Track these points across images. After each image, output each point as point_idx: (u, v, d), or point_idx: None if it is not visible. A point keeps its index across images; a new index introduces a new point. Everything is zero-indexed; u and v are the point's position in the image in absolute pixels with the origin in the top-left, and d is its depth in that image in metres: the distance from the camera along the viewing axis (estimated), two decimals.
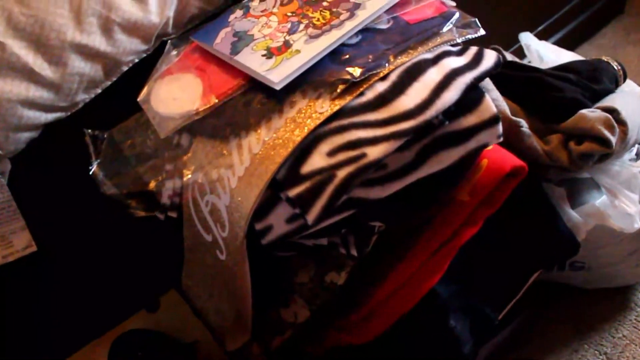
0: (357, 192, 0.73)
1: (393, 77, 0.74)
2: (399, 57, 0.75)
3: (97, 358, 0.96)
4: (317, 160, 0.70)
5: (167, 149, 0.79)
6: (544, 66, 1.18)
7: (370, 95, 0.73)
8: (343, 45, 0.75)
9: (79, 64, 0.76)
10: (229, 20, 0.82)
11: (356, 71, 0.72)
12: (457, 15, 0.80)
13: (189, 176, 0.76)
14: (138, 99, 0.78)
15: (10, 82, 0.73)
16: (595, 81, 1.02)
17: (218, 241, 0.78)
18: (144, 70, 0.82)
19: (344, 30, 0.75)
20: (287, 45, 0.75)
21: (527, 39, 1.25)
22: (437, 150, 0.76)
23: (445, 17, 0.80)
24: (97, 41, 0.76)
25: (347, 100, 0.72)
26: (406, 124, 0.71)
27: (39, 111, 0.76)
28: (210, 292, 0.87)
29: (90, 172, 0.79)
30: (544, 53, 1.23)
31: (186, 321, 0.98)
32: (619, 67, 1.06)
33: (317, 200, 0.69)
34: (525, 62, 1.24)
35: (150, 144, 0.80)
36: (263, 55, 0.74)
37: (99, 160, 0.80)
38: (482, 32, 0.80)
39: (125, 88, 0.82)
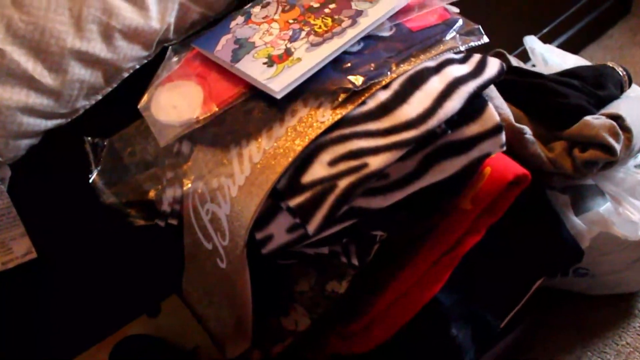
0: (358, 201, 0.72)
1: (395, 85, 0.73)
2: (401, 65, 0.74)
3: None
4: (318, 169, 0.70)
5: (168, 157, 0.78)
6: (548, 70, 1.17)
7: (372, 104, 0.72)
8: (345, 53, 0.75)
9: (79, 71, 0.75)
10: (230, 26, 0.81)
11: (358, 80, 0.71)
12: (460, 22, 0.79)
13: (189, 185, 0.76)
14: (138, 106, 0.78)
15: (10, 89, 0.73)
16: (600, 87, 1.01)
17: (218, 249, 0.77)
18: (144, 76, 0.82)
19: (346, 39, 0.74)
20: (288, 53, 0.74)
21: (531, 42, 1.24)
22: (440, 159, 0.75)
23: (449, 24, 0.79)
24: (98, 48, 0.76)
25: (348, 110, 0.71)
26: (408, 134, 0.70)
27: (39, 118, 0.76)
28: (210, 299, 0.87)
29: (90, 181, 0.78)
30: (549, 57, 1.22)
31: (187, 326, 0.98)
32: (624, 73, 1.05)
33: (317, 210, 0.68)
34: (529, 65, 1.23)
35: (150, 152, 0.79)
36: (264, 64, 0.74)
37: (98, 169, 0.79)
38: (485, 39, 0.79)
39: (126, 94, 0.81)
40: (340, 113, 0.71)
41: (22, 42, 0.72)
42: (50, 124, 0.77)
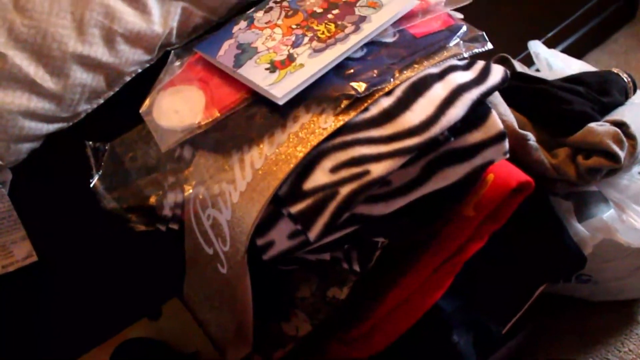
0: (360, 208, 0.72)
1: (398, 92, 0.73)
2: (405, 72, 0.74)
3: None
4: (320, 176, 0.69)
5: (169, 161, 0.78)
6: (553, 74, 1.17)
7: (374, 110, 0.72)
8: (348, 59, 0.74)
9: (80, 75, 0.75)
10: (233, 31, 0.81)
11: (361, 86, 0.71)
12: (464, 28, 0.79)
13: (190, 191, 0.75)
14: (140, 111, 0.77)
15: (12, 93, 0.73)
16: (604, 93, 1.01)
17: (219, 255, 0.77)
18: (147, 80, 0.81)
19: (349, 45, 0.74)
20: (291, 58, 0.74)
21: (536, 47, 1.24)
22: (442, 166, 0.74)
23: (452, 30, 0.79)
24: (100, 52, 0.76)
25: (351, 116, 0.71)
26: (411, 141, 0.70)
27: (41, 122, 0.75)
28: (211, 304, 0.86)
29: (91, 186, 0.78)
30: (553, 62, 1.22)
31: (188, 330, 0.98)
32: (629, 79, 1.04)
33: (319, 217, 0.68)
34: (533, 69, 1.23)
35: (151, 157, 0.79)
36: (266, 69, 0.73)
37: (99, 174, 0.79)
38: (489, 46, 0.79)
39: (128, 98, 0.81)
40: (343, 119, 0.71)
41: (24, 46, 0.72)
42: (51, 127, 0.77)
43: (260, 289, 0.80)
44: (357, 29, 0.75)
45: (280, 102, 0.70)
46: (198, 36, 0.84)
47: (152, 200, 0.77)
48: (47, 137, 0.78)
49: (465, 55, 0.77)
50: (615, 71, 1.05)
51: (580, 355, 1.14)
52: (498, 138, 0.75)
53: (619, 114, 0.98)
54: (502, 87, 0.77)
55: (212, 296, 0.84)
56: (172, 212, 0.79)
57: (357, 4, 0.78)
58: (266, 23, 0.80)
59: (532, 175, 0.84)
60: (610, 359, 1.13)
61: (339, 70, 0.74)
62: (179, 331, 1.00)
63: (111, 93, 0.80)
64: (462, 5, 0.81)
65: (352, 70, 0.73)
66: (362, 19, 0.76)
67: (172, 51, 0.82)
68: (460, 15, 0.82)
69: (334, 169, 0.69)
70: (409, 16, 0.78)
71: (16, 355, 0.91)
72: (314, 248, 0.74)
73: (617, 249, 1.04)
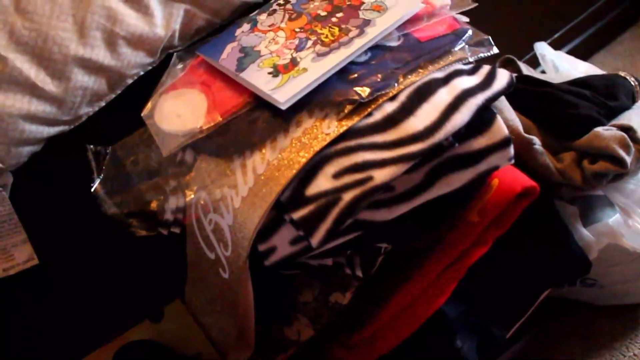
0: (363, 214, 0.71)
1: (402, 97, 0.72)
2: (409, 77, 0.73)
3: None
4: (323, 182, 0.69)
5: (171, 165, 0.78)
6: (559, 77, 1.16)
7: (378, 116, 0.71)
8: (351, 63, 0.74)
9: (82, 78, 0.75)
10: (236, 34, 0.80)
11: (364, 91, 0.70)
12: (469, 32, 0.78)
13: (192, 196, 0.75)
14: (142, 114, 0.77)
15: (12, 96, 0.72)
16: (611, 97, 1.00)
17: (221, 259, 0.76)
18: (149, 82, 0.81)
19: (353, 49, 0.73)
20: (294, 63, 0.73)
21: (542, 48, 1.23)
22: (447, 172, 0.74)
23: (458, 34, 0.78)
24: (101, 55, 0.75)
25: (354, 121, 0.70)
26: (414, 147, 0.69)
27: (42, 125, 0.75)
28: (212, 308, 0.86)
29: (92, 190, 0.77)
30: (559, 63, 1.21)
31: (190, 332, 0.97)
32: (636, 83, 1.03)
33: (321, 223, 0.67)
34: (539, 71, 1.22)
35: (153, 161, 0.78)
36: (269, 73, 0.73)
37: (100, 178, 0.79)
38: (495, 50, 0.78)
39: (130, 101, 0.80)
40: (346, 125, 0.70)
41: (24, 49, 0.72)
42: (52, 131, 0.77)
43: (262, 293, 0.79)
44: (361, 32, 0.74)
45: (283, 107, 0.70)
46: (201, 38, 0.84)
47: (154, 205, 0.76)
48: (48, 140, 0.77)
49: (471, 59, 0.76)
50: (623, 75, 1.04)
51: (585, 359, 1.13)
52: (503, 144, 0.74)
53: (625, 118, 0.97)
54: (508, 92, 0.76)
55: (213, 300, 0.84)
56: (173, 216, 0.78)
57: (362, 7, 0.77)
58: (269, 26, 0.79)
59: (537, 179, 0.84)
60: None
61: (343, 74, 0.73)
62: (181, 333, 0.99)
63: (113, 96, 0.79)
64: (467, 8, 0.80)
65: (355, 75, 0.73)
66: (367, 22, 0.75)
67: (175, 54, 0.81)
68: (465, 19, 0.81)
69: (337, 175, 0.69)
70: (414, 20, 0.77)
71: (18, 357, 0.91)
72: (316, 253, 0.73)
73: (623, 253, 1.03)
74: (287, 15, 0.80)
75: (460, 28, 0.78)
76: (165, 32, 0.78)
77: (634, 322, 1.17)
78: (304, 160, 0.69)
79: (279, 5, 0.82)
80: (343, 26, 0.76)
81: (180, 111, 0.75)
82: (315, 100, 0.71)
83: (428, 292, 0.84)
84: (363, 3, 0.78)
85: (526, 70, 1.15)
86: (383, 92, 0.71)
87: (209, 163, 0.75)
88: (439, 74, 0.74)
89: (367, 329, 0.86)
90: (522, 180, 0.83)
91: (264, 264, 0.73)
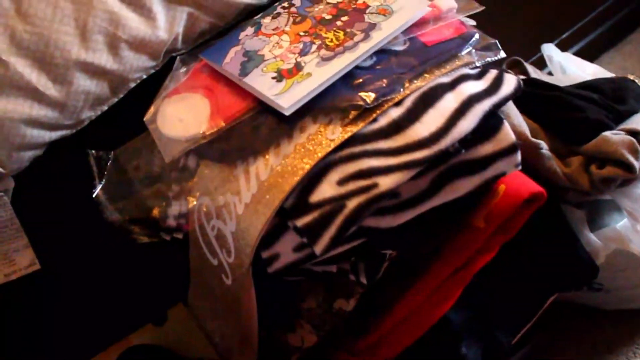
0: (367, 221, 0.70)
1: (408, 103, 0.71)
2: (415, 82, 0.72)
3: None
4: (327, 189, 0.68)
5: (173, 171, 0.77)
6: (566, 78, 1.15)
7: (383, 121, 0.70)
8: (356, 67, 0.73)
9: (84, 82, 0.74)
10: (240, 38, 0.79)
11: (369, 97, 0.69)
12: (476, 36, 0.77)
13: (194, 203, 0.74)
14: (144, 119, 0.76)
15: (14, 101, 0.71)
16: (619, 101, 0.98)
17: (224, 266, 0.76)
18: (152, 86, 0.80)
19: (358, 53, 0.72)
20: (298, 67, 0.72)
21: (549, 50, 1.21)
22: (453, 178, 0.73)
23: (465, 38, 0.77)
24: (104, 59, 0.74)
25: (359, 127, 0.69)
26: (420, 154, 0.68)
27: (43, 130, 0.74)
28: (215, 314, 0.85)
29: (94, 196, 0.77)
30: (567, 65, 1.19)
31: (192, 336, 0.97)
32: None
33: (325, 230, 0.67)
34: (545, 72, 1.21)
35: (155, 166, 0.78)
36: (273, 78, 0.72)
37: (102, 184, 0.78)
38: (502, 54, 0.77)
39: (133, 104, 0.80)
40: (351, 131, 0.69)
41: (26, 54, 0.71)
42: (54, 135, 0.76)
43: (265, 299, 0.78)
44: (366, 37, 0.73)
45: (287, 113, 0.69)
46: (204, 41, 0.83)
47: (155, 212, 0.75)
48: (50, 144, 0.77)
49: (478, 64, 0.75)
50: (631, 78, 1.03)
51: None
52: (510, 150, 0.73)
53: (634, 122, 0.96)
54: (515, 97, 0.75)
55: (216, 306, 0.83)
56: (176, 222, 0.78)
57: (367, 11, 0.76)
58: (273, 30, 0.78)
59: (544, 183, 0.83)
60: None
61: (348, 79, 0.72)
62: (183, 337, 0.99)
63: (115, 100, 0.79)
64: (474, 12, 0.79)
65: (360, 80, 0.72)
66: (372, 26, 0.74)
67: (178, 57, 0.80)
68: (472, 22, 0.80)
69: (341, 182, 0.68)
70: (420, 23, 0.76)
71: None
72: (320, 260, 0.73)
73: (630, 258, 1.02)
74: (291, 19, 0.79)
75: (467, 32, 0.77)
76: (168, 36, 0.77)
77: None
78: (307, 166, 0.68)
79: (284, 8, 0.81)
80: (348, 30, 0.75)
81: (183, 116, 0.74)
82: (320, 106, 0.70)
83: (433, 298, 0.83)
84: (368, 6, 0.77)
85: (533, 72, 1.14)
86: (388, 97, 0.70)
87: (212, 169, 0.74)
88: (445, 79, 0.73)
89: (371, 335, 0.85)
90: (529, 185, 0.82)
91: (267, 271, 0.72)
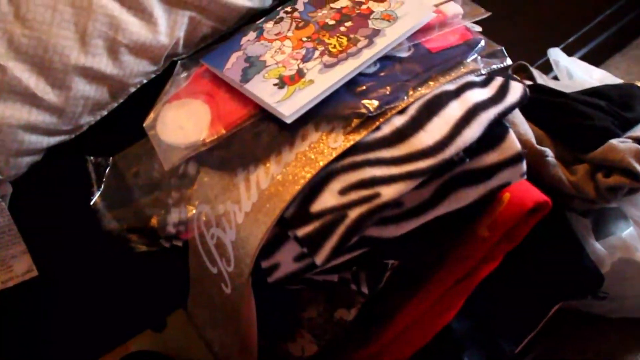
0: (369, 231, 0.69)
1: (412, 111, 0.70)
2: (419, 89, 0.71)
3: None
4: (328, 198, 0.67)
5: (173, 178, 0.76)
6: (572, 84, 1.13)
7: (386, 130, 0.69)
8: (360, 74, 0.72)
9: (83, 87, 0.73)
10: (241, 43, 0.78)
11: (372, 104, 0.68)
12: (482, 43, 0.76)
13: (194, 211, 0.73)
14: (144, 125, 0.75)
15: (12, 106, 0.70)
16: (626, 108, 0.97)
17: (223, 275, 0.75)
18: (153, 90, 0.79)
19: (361, 60, 0.71)
20: (300, 74, 0.71)
21: (556, 55, 1.20)
22: (457, 188, 0.72)
23: (470, 45, 0.75)
24: (103, 64, 0.73)
25: (362, 135, 0.68)
26: (423, 163, 0.67)
27: (41, 135, 0.73)
28: (215, 323, 0.84)
29: (91, 204, 0.76)
30: (573, 70, 1.18)
31: (192, 342, 0.96)
32: None
33: (326, 241, 0.66)
34: (551, 76, 1.19)
35: (155, 173, 0.76)
36: (275, 85, 0.70)
37: (100, 191, 0.77)
38: (508, 61, 0.76)
39: (133, 109, 0.78)
40: (353, 139, 0.68)
41: (24, 58, 0.70)
42: (52, 140, 0.75)
43: (265, 308, 0.77)
44: (370, 43, 0.72)
45: (288, 121, 0.68)
46: (206, 46, 0.82)
47: (154, 221, 0.74)
48: (48, 150, 0.76)
49: (483, 71, 0.74)
50: (638, 84, 1.02)
51: None
52: (515, 159, 0.72)
53: None
54: (521, 106, 0.73)
55: (216, 315, 0.82)
56: (176, 229, 0.76)
57: (371, 17, 0.75)
58: (276, 35, 0.77)
59: (549, 191, 0.81)
60: None
61: (351, 86, 0.71)
62: (183, 344, 0.98)
63: (115, 104, 0.78)
64: (481, 18, 0.78)
65: (364, 87, 0.71)
66: (376, 32, 0.73)
67: (179, 62, 0.79)
68: (478, 28, 0.79)
69: (343, 191, 0.67)
70: (425, 29, 0.75)
71: None
72: (321, 269, 0.71)
73: (636, 267, 1.01)
74: (294, 24, 0.78)
75: (472, 38, 0.76)
76: (169, 40, 0.76)
77: None
78: (309, 175, 0.67)
79: (286, 13, 0.80)
80: (352, 36, 0.74)
81: (183, 122, 0.73)
82: (322, 113, 0.69)
83: (435, 308, 0.82)
84: (373, 12, 0.76)
85: (539, 76, 1.13)
86: (392, 105, 0.69)
87: (212, 177, 0.73)
88: (450, 87, 0.72)
89: (373, 344, 0.84)
90: (534, 194, 0.80)
91: (267, 281, 0.71)
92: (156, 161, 0.76)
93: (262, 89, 0.70)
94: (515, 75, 1.09)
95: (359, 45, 0.72)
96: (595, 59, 1.49)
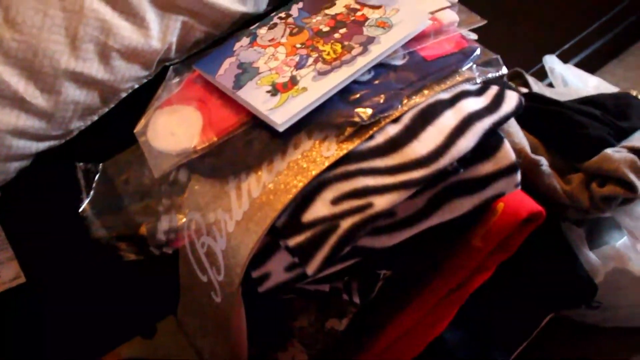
0: (362, 240, 0.68)
1: (406, 119, 0.69)
2: (413, 98, 0.70)
3: None
4: (320, 208, 0.66)
5: (164, 185, 0.75)
6: (567, 91, 1.13)
7: (380, 139, 0.68)
8: (354, 82, 0.70)
9: (73, 92, 0.72)
10: (234, 49, 0.77)
11: (366, 113, 0.67)
12: (478, 51, 0.75)
13: (184, 220, 0.72)
14: (135, 131, 0.74)
15: (0, 110, 0.69)
16: (622, 117, 0.97)
17: (213, 283, 0.74)
18: (144, 94, 0.78)
19: (356, 68, 0.70)
20: (293, 81, 0.70)
21: (551, 62, 1.20)
22: (451, 198, 0.71)
23: (466, 53, 0.75)
24: (94, 68, 0.72)
25: (355, 144, 0.67)
26: (417, 173, 0.66)
27: (30, 140, 0.72)
28: (205, 331, 0.83)
29: (80, 211, 0.75)
30: (569, 78, 1.18)
31: (183, 349, 0.95)
32: None
33: (318, 251, 0.65)
34: (546, 83, 1.19)
35: (145, 181, 0.75)
36: (267, 92, 0.70)
37: (89, 198, 0.76)
38: (504, 70, 0.75)
39: (125, 114, 0.77)
40: (346, 148, 0.67)
41: (13, 62, 0.69)
42: (41, 146, 0.74)
43: (256, 317, 0.77)
44: (364, 50, 0.71)
45: (280, 129, 0.67)
46: (199, 50, 0.81)
47: (143, 230, 0.73)
48: (37, 155, 0.75)
49: (479, 80, 0.73)
50: (634, 93, 1.02)
51: None
52: (510, 170, 0.71)
53: (637, 140, 0.94)
54: (516, 115, 0.73)
55: (206, 323, 0.81)
56: (166, 237, 0.75)
57: (366, 24, 0.74)
58: (269, 41, 0.76)
59: (543, 200, 0.81)
60: None
61: (344, 94, 0.70)
62: (173, 350, 0.97)
63: (106, 109, 0.77)
64: (477, 26, 0.77)
65: (357, 95, 0.70)
66: (371, 39, 0.72)
67: (171, 67, 0.78)
68: (474, 36, 0.78)
69: (335, 201, 0.66)
70: (420, 37, 0.74)
71: None
72: (312, 279, 0.71)
73: (629, 277, 1.00)
74: (288, 30, 0.77)
75: (468, 46, 0.75)
76: (162, 45, 0.75)
77: (638, 344, 1.15)
78: (301, 184, 0.66)
79: (280, 18, 0.79)
80: (346, 43, 0.73)
81: (175, 129, 0.72)
82: (315, 121, 0.68)
83: (428, 318, 0.82)
84: (367, 19, 0.75)
85: (534, 84, 1.13)
86: (386, 114, 0.68)
87: (203, 185, 0.72)
88: (445, 95, 0.71)
89: (364, 355, 0.83)
90: (528, 205, 0.80)
91: (258, 291, 0.70)
92: (147, 168, 0.75)
93: (255, 96, 0.69)
94: (510, 83, 1.08)
95: (353, 52, 0.71)
96: (591, 65, 1.48)
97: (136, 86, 0.77)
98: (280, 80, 0.71)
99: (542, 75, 1.22)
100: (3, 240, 0.76)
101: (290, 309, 0.80)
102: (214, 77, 0.74)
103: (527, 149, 0.90)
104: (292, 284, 0.70)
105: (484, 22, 0.77)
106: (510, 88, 0.80)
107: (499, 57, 0.75)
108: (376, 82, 0.72)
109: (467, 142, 0.68)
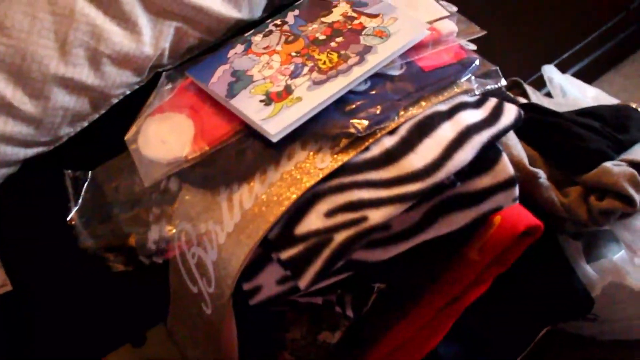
0: (356, 254, 0.67)
1: (402, 131, 0.68)
2: (410, 109, 0.69)
3: None
4: (314, 220, 0.64)
5: (154, 193, 0.73)
6: (566, 101, 1.12)
7: (376, 151, 0.67)
8: (350, 92, 0.69)
9: (62, 98, 0.70)
10: (228, 56, 0.75)
11: (362, 124, 0.66)
12: (477, 62, 0.73)
13: (174, 231, 0.70)
14: (125, 138, 0.72)
15: None
16: (621, 130, 0.95)
17: (204, 295, 0.72)
18: (136, 100, 0.76)
19: (352, 78, 0.68)
20: (288, 90, 0.68)
21: (550, 72, 1.19)
22: (447, 212, 0.70)
23: (464, 64, 0.73)
24: (84, 74, 0.70)
25: (350, 156, 0.66)
26: (413, 186, 0.65)
27: (17, 146, 0.71)
28: (195, 342, 0.82)
29: (67, 219, 0.73)
30: (567, 88, 1.17)
31: (172, 357, 0.94)
32: None
33: (310, 265, 0.63)
34: (544, 92, 1.18)
35: (135, 189, 0.74)
36: (261, 101, 0.68)
37: (78, 206, 0.74)
38: (503, 82, 0.74)
39: (116, 120, 0.76)
40: (341, 160, 0.66)
41: (1, 67, 0.67)
42: (30, 152, 0.72)
43: (247, 329, 0.75)
44: (361, 60, 0.70)
45: (274, 140, 0.65)
46: (193, 56, 0.79)
47: (132, 240, 0.72)
48: (25, 161, 0.73)
49: (477, 92, 0.72)
50: (634, 106, 1.00)
51: None
52: (508, 184, 0.70)
53: (636, 153, 0.93)
54: (515, 128, 0.71)
55: (196, 334, 0.80)
56: (156, 246, 0.74)
57: (363, 33, 0.73)
58: (264, 48, 0.75)
59: (541, 212, 0.80)
60: None
61: (340, 104, 0.68)
62: (163, 359, 0.96)
63: (96, 116, 0.75)
64: (476, 36, 0.76)
65: (353, 106, 0.68)
66: (368, 49, 0.71)
67: (163, 73, 0.77)
68: (473, 47, 0.77)
69: (329, 214, 0.64)
70: (418, 47, 0.73)
71: None
72: (305, 292, 0.69)
73: (627, 291, 0.99)
74: (283, 37, 0.75)
75: (467, 57, 0.74)
76: (154, 51, 0.74)
77: (635, 358, 1.14)
78: (294, 196, 0.64)
79: (276, 26, 0.77)
80: (342, 52, 0.71)
81: (166, 137, 0.70)
82: (309, 132, 0.67)
83: (423, 332, 0.80)
84: (365, 28, 0.74)
85: (532, 93, 1.11)
86: (382, 125, 0.67)
87: (194, 195, 0.70)
88: (443, 107, 0.70)
89: None
90: (526, 218, 0.79)
91: (249, 303, 0.68)
92: (137, 176, 0.74)
93: (248, 105, 0.68)
94: (509, 93, 1.07)
95: (350, 62, 0.70)
96: (589, 75, 1.48)
97: (127, 92, 0.76)
98: (275, 89, 0.69)
99: (540, 84, 1.21)
100: None
101: (282, 320, 0.79)
102: (207, 85, 0.72)
103: (525, 161, 0.89)
104: (284, 297, 0.69)
105: (484, 32, 0.76)
106: (509, 99, 0.79)
107: (497, 68, 0.74)
108: (373, 92, 0.70)
109: (465, 155, 0.67)
